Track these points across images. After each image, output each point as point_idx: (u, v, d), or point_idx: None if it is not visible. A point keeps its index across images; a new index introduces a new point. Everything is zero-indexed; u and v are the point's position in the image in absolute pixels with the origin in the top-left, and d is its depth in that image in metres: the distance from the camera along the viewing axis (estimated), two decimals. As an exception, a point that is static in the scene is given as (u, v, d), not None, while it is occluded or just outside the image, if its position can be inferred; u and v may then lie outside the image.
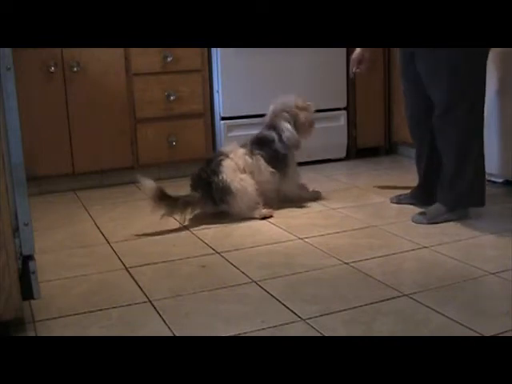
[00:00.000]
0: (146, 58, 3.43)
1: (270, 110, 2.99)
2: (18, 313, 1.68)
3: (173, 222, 2.71)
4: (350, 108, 3.98)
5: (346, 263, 2.22)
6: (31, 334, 1.77)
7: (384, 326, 1.74)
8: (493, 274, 2.08)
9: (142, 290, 2.06)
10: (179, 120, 3.58)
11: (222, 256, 2.35)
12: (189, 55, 3.52)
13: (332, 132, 3.89)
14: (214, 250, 2.42)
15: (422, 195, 2.86)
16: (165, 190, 2.66)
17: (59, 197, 3.34)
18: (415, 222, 2.64)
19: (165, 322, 1.81)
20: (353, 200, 3.08)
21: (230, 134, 3.61)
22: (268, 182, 2.87)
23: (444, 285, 2.01)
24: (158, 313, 1.88)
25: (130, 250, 2.45)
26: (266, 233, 2.62)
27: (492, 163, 3.04)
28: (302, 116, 2.97)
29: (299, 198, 3.03)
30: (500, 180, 3.21)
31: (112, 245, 2.52)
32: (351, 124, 4.00)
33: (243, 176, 2.79)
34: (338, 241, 2.47)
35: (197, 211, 2.82)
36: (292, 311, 1.85)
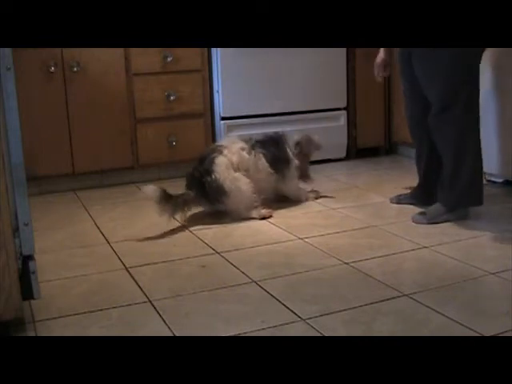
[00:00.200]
0: (146, 57, 3.43)
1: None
2: (18, 313, 1.68)
3: (173, 222, 2.70)
4: (350, 108, 3.98)
5: (346, 263, 2.22)
6: (31, 333, 1.77)
7: (384, 326, 1.74)
8: (493, 274, 2.08)
9: (142, 290, 2.06)
10: (179, 120, 3.58)
11: (222, 256, 2.35)
12: (189, 55, 3.52)
13: (332, 132, 3.89)
14: (214, 250, 2.42)
15: (422, 195, 2.86)
16: (167, 191, 2.66)
17: (59, 197, 3.34)
18: (415, 222, 2.65)
19: (165, 322, 1.81)
20: (353, 200, 3.08)
21: (230, 134, 3.60)
22: (264, 181, 2.85)
23: (444, 285, 2.01)
24: (158, 313, 1.88)
25: (130, 250, 2.45)
26: (265, 233, 2.62)
27: (492, 163, 3.04)
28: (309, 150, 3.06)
29: (298, 200, 3.04)
30: (500, 180, 3.21)
31: (112, 245, 2.52)
32: (351, 124, 4.00)
33: (237, 175, 2.75)
34: (337, 241, 2.47)
35: (196, 209, 2.82)
36: (292, 311, 1.85)
